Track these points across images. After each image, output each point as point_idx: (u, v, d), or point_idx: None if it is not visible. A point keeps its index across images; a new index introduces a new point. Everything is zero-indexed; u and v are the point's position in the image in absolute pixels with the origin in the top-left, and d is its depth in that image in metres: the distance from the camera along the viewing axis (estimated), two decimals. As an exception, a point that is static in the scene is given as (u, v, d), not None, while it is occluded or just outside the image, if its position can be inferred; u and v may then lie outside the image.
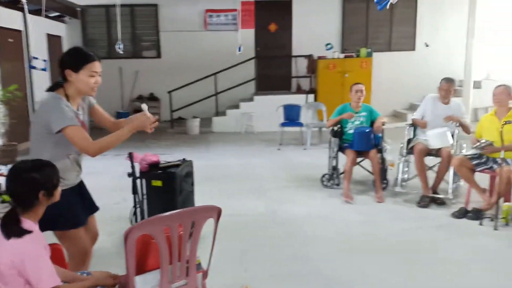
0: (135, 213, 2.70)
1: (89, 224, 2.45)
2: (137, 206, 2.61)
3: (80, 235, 2.29)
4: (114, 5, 8.44)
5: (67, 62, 2.21)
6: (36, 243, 1.71)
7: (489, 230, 3.66)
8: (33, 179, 1.74)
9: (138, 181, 2.99)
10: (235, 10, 10.23)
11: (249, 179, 5.52)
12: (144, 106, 2.31)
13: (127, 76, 10.10)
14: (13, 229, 1.69)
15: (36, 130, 2.21)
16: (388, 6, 4.42)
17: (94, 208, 2.51)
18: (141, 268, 1.95)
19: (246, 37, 9.76)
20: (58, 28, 9.20)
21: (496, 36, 10.15)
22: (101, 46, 10.30)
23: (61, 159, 2.19)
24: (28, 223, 1.75)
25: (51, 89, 2.23)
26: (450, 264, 3.11)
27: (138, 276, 1.90)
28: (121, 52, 7.25)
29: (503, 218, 3.76)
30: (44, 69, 4.81)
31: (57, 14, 8.82)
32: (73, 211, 2.24)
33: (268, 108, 8.82)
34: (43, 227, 2.01)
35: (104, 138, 2.20)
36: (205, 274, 2.13)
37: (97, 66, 2.22)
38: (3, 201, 4.38)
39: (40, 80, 7.97)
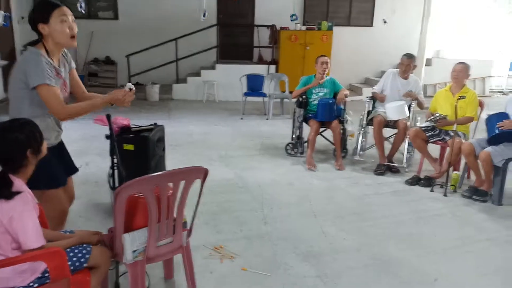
0: (112, 175, 2.70)
1: (67, 185, 2.43)
2: (115, 168, 2.61)
3: (60, 195, 2.29)
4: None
5: (35, 17, 2.15)
6: (25, 203, 1.70)
7: (439, 196, 4.02)
8: (17, 139, 1.72)
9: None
10: (197, -27, 9.89)
11: (214, 147, 5.57)
12: (129, 85, 2.30)
13: (81, 38, 9.53)
14: (4, 192, 1.67)
15: (15, 85, 2.14)
16: None
17: (73, 169, 2.49)
18: (127, 226, 1.99)
19: (208, 3, 9.53)
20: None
21: (445, 17, 10.70)
22: (52, 4, 9.64)
23: (42, 117, 2.16)
24: (19, 182, 1.73)
25: (30, 44, 2.15)
26: (401, 225, 3.42)
27: (127, 233, 1.94)
28: (83, 12, 6.83)
29: (452, 185, 4.13)
30: (5, 25, 4.47)
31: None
32: (53, 171, 2.22)
33: (229, 77, 8.81)
34: None
35: (77, 104, 2.21)
36: (189, 232, 2.21)
37: (65, 10, 2.17)
38: None
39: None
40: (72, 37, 2.19)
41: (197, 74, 9.46)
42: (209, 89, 9.06)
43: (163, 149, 3.78)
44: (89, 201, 3.70)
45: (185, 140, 5.84)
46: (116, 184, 3.26)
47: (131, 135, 3.37)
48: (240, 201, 3.82)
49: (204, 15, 8.55)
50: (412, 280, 2.63)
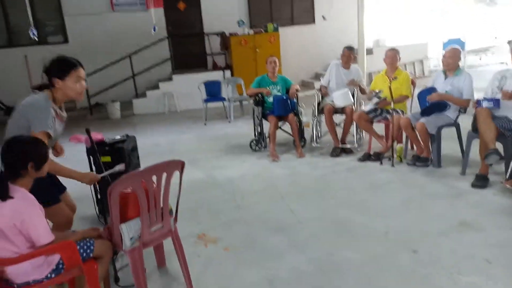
0: (95, 186, 3.02)
1: (66, 200, 2.75)
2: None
3: (62, 208, 2.61)
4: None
5: (53, 71, 2.42)
6: (32, 205, 2.00)
7: (388, 167, 4.57)
8: (26, 150, 2.02)
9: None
10: (141, -11, 10.17)
11: (182, 153, 5.90)
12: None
13: (33, 65, 9.58)
14: (2, 191, 1.93)
15: (18, 121, 2.38)
16: None
17: (62, 187, 2.79)
18: (122, 219, 2.33)
19: (156, 16, 9.81)
20: None
21: (381, 7, 11.58)
22: (-1, 34, 9.61)
23: None
24: (23, 190, 2.02)
25: (40, 87, 2.43)
26: (356, 194, 3.95)
27: (123, 223, 2.28)
28: (36, 39, 6.95)
29: (398, 156, 4.71)
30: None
31: None
32: (49, 190, 2.52)
33: (188, 86, 9.14)
34: None
35: (57, 163, 2.46)
36: (175, 218, 2.58)
37: (81, 72, 2.45)
38: None
39: None
40: (80, 93, 2.48)
41: (155, 87, 9.71)
42: (169, 100, 9.34)
43: (138, 158, 4.10)
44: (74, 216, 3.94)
45: (153, 150, 6.11)
46: (99, 194, 3.59)
47: (106, 148, 3.66)
48: (214, 195, 4.20)
49: (154, 29, 8.83)
50: (367, 235, 3.13)
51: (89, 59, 9.65)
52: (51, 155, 2.61)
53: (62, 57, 2.49)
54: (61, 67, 2.42)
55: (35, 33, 6.90)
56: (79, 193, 4.38)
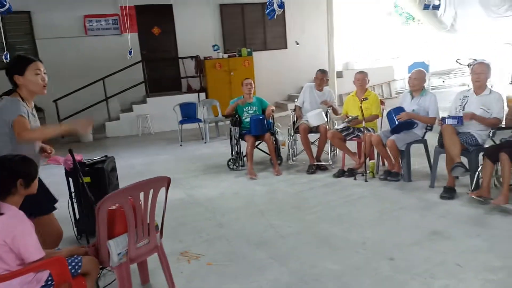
0: (72, 204, 3.06)
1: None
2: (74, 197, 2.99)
3: (53, 219, 2.63)
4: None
5: (12, 69, 2.50)
6: (24, 222, 2.02)
7: (361, 182, 4.77)
8: (15, 168, 2.05)
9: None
10: (115, 14, 10.28)
11: (159, 173, 5.67)
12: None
13: (3, 89, 9.37)
14: None
15: None
16: (275, 16, 5.42)
17: (54, 199, 2.80)
18: (108, 235, 2.36)
19: (131, 41, 9.90)
20: None
21: (349, 32, 12.15)
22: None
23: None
24: (12, 207, 2.04)
25: (6, 93, 2.48)
26: (332, 208, 4.09)
27: (111, 240, 2.31)
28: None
29: (370, 172, 4.92)
30: None
31: None
32: (41, 199, 2.53)
33: (162, 109, 9.20)
34: None
35: (44, 128, 2.61)
36: (161, 234, 2.62)
37: (39, 65, 2.55)
38: None
39: None
40: (44, 86, 2.56)
41: (129, 110, 9.70)
42: (143, 122, 9.34)
43: (117, 178, 4.11)
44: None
45: (129, 172, 6.07)
46: (77, 215, 3.58)
47: (86, 168, 3.67)
48: (194, 214, 4.24)
49: (130, 53, 8.90)
50: (345, 247, 3.25)
51: (61, 82, 9.62)
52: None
53: (19, 55, 2.63)
54: (18, 63, 2.53)
55: (8, 57, 6.85)
56: (56, 215, 4.37)
